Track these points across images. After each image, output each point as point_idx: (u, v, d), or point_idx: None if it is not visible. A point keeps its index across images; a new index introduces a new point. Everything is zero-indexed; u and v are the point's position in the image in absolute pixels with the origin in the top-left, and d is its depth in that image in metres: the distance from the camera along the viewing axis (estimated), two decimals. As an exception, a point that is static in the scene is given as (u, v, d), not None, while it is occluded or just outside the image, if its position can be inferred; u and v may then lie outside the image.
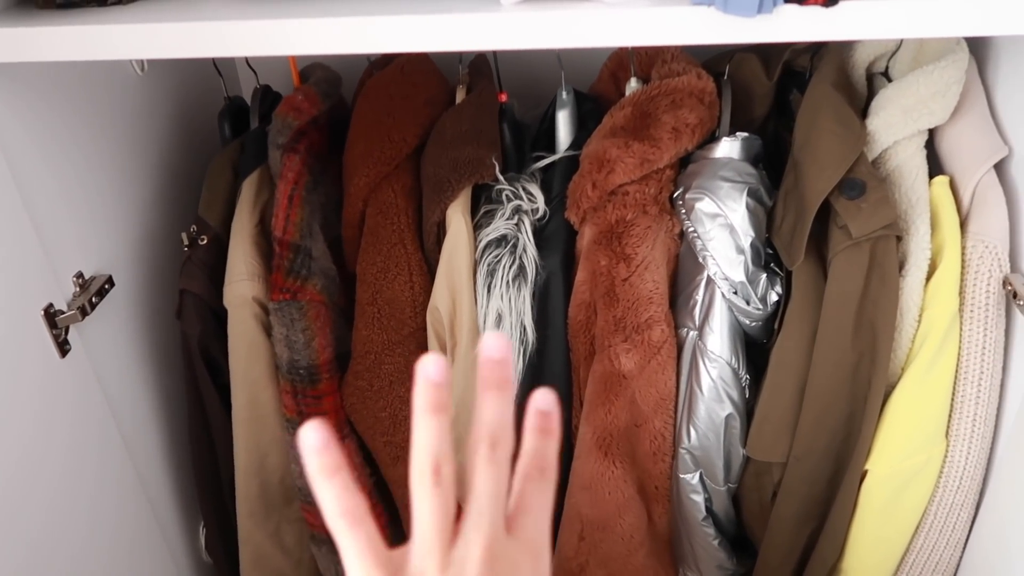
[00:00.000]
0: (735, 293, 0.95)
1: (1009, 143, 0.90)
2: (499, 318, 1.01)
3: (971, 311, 0.90)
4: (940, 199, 0.91)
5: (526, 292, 1.01)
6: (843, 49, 1.00)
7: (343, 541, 0.36)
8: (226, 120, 1.17)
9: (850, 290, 0.90)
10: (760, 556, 1.10)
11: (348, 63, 1.08)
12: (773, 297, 0.96)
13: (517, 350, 1.03)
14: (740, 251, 0.95)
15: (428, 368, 0.36)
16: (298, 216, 1.00)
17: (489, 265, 1.01)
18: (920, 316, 0.92)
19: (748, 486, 1.07)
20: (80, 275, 0.99)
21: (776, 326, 0.97)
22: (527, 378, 1.04)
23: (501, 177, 1.02)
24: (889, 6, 0.67)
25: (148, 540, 1.16)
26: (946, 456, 0.96)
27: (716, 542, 1.09)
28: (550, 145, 1.10)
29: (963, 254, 0.90)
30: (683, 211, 0.98)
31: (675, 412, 1.02)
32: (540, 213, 1.03)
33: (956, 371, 0.93)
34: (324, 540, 1.17)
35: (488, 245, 1.01)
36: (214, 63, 1.17)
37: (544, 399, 0.39)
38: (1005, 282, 0.88)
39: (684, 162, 1.03)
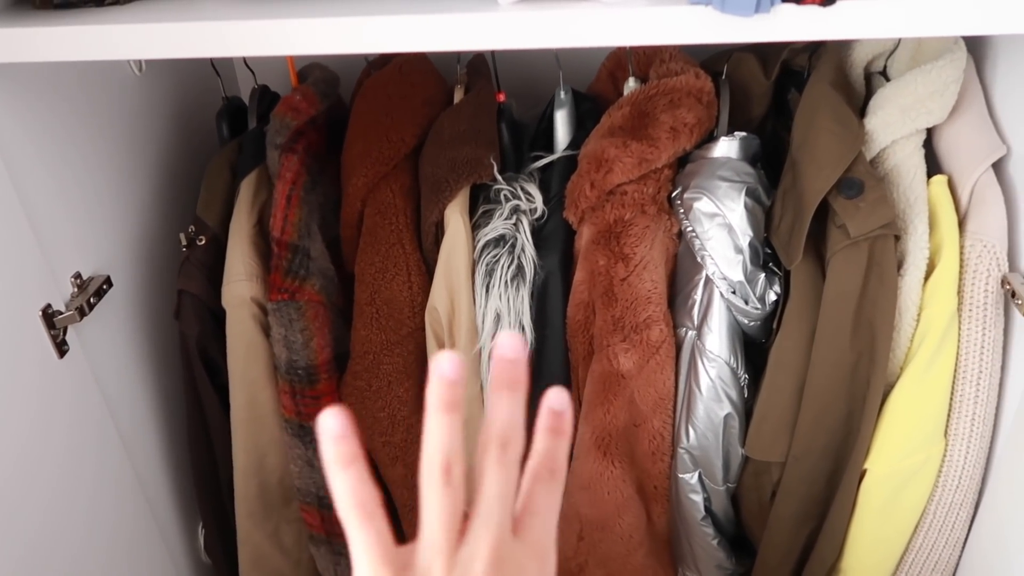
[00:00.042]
0: (733, 293, 0.95)
1: (1007, 142, 0.90)
2: (497, 318, 1.01)
3: (969, 310, 0.90)
4: (938, 198, 0.91)
5: (524, 292, 1.01)
6: (841, 48, 1.00)
7: (353, 534, 0.36)
8: (224, 120, 1.17)
9: (848, 289, 0.90)
10: (759, 556, 1.10)
11: (346, 63, 1.08)
12: (771, 296, 0.96)
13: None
14: (738, 251, 0.94)
15: (443, 365, 0.36)
16: (296, 216, 1.00)
17: (487, 265, 1.01)
18: (919, 315, 0.92)
19: (747, 486, 1.07)
20: (78, 275, 0.99)
21: (775, 325, 0.97)
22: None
23: (499, 177, 1.02)
24: (886, 5, 0.67)
25: (147, 541, 1.16)
26: (945, 455, 0.96)
27: (715, 542, 1.09)
28: (548, 145, 1.10)
29: (961, 253, 0.90)
30: (681, 211, 0.98)
31: (674, 412, 1.02)
32: (538, 213, 1.03)
33: (955, 370, 0.93)
34: (323, 540, 1.17)
35: (486, 245, 1.01)
36: (212, 63, 1.17)
37: (557, 398, 0.39)
38: (1003, 281, 0.88)
39: (682, 162, 1.03)
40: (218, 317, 1.07)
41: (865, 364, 0.93)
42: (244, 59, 1.22)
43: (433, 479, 0.36)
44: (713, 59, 1.07)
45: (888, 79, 0.99)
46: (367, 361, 1.06)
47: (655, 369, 0.99)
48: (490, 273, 1.01)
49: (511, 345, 0.37)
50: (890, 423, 0.95)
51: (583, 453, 1.04)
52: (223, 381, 1.10)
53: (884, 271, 0.89)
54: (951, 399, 0.94)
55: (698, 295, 0.98)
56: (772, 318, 0.98)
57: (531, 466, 0.38)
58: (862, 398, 0.94)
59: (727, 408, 0.99)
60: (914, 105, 0.90)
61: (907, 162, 0.93)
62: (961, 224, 0.91)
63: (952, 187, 0.92)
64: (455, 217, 1.00)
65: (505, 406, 0.37)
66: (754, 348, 1.01)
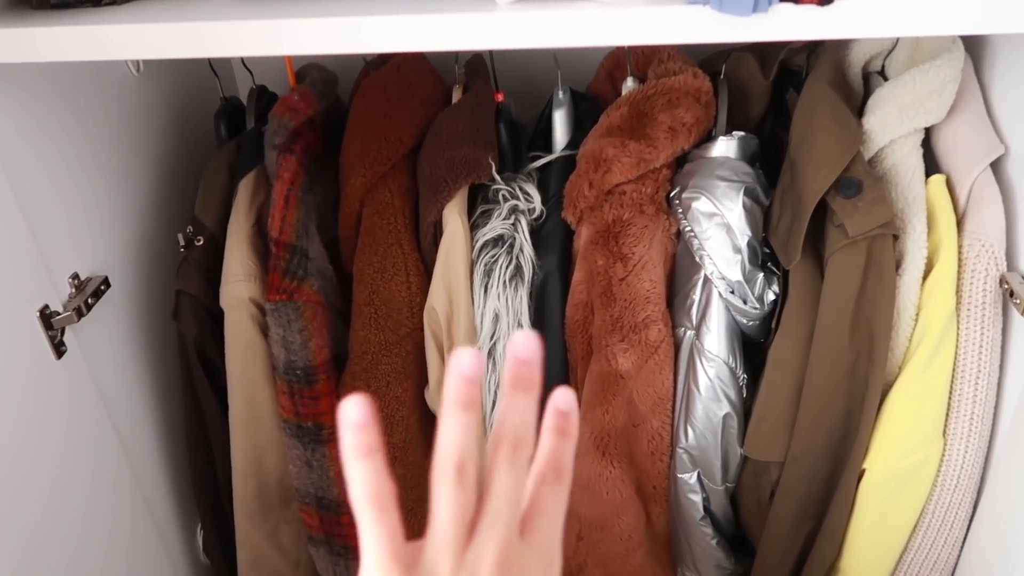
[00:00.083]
0: (732, 292, 0.95)
1: (1005, 141, 0.90)
2: (496, 318, 1.01)
3: (968, 310, 0.90)
4: (936, 198, 0.91)
5: (523, 292, 1.01)
6: (839, 48, 1.00)
7: (365, 527, 0.35)
8: (222, 120, 1.17)
9: (847, 289, 0.90)
10: (758, 555, 1.10)
11: (344, 63, 1.08)
12: (770, 296, 0.96)
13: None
14: (737, 250, 0.94)
15: (463, 362, 0.35)
16: (294, 217, 1.00)
17: (486, 265, 1.01)
18: (917, 315, 0.92)
19: (746, 485, 1.06)
20: (76, 276, 0.98)
21: (773, 325, 0.97)
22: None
23: (498, 177, 1.02)
24: (884, 5, 0.67)
25: (145, 542, 1.15)
26: (943, 455, 0.96)
27: (714, 542, 1.09)
28: (547, 145, 1.10)
29: (960, 253, 0.90)
30: (680, 210, 0.98)
31: (672, 412, 1.02)
32: (537, 213, 1.03)
33: (953, 370, 0.93)
34: (321, 541, 1.17)
35: (485, 245, 1.01)
36: (210, 63, 1.17)
37: (564, 398, 0.38)
38: (1002, 280, 0.88)
39: (681, 161, 1.03)
40: (216, 318, 1.07)
41: (864, 364, 0.93)
42: (242, 59, 1.22)
43: (446, 477, 0.35)
44: (711, 59, 1.07)
45: (886, 79, 0.99)
46: (365, 361, 1.06)
47: (654, 369, 0.99)
48: (488, 273, 1.01)
49: (526, 345, 0.36)
50: (889, 423, 0.95)
51: (582, 453, 1.04)
52: (221, 382, 1.10)
53: (882, 270, 0.89)
54: (950, 399, 0.94)
55: (697, 295, 0.98)
56: (771, 318, 0.98)
57: (536, 467, 0.38)
58: (861, 398, 0.94)
59: (726, 408, 0.99)
60: (912, 104, 0.90)
61: (905, 161, 0.93)
62: (959, 223, 0.91)
63: (950, 186, 0.92)
64: (453, 217, 1.00)
65: (519, 406, 0.36)
66: (753, 348, 1.01)
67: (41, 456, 0.93)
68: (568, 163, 1.04)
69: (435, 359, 1.06)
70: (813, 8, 0.67)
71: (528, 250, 1.01)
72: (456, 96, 1.11)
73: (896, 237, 0.91)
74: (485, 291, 1.01)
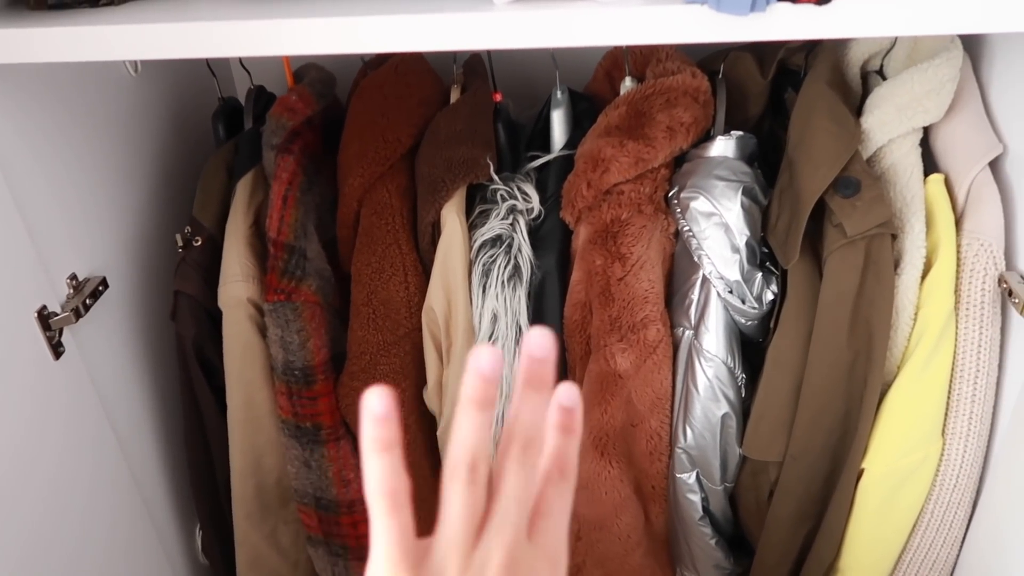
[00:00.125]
0: (730, 292, 0.95)
1: (1004, 141, 0.90)
2: (494, 318, 1.01)
3: (966, 309, 0.90)
4: (935, 197, 0.91)
5: (521, 292, 1.01)
6: (837, 47, 1.00)
7: (378, 522, 0.35)
8: (220, 121, 1.17)
9: (845, 289, 0.90)
10: (757, 555, 1.10)
11: (342, 63, 1.08)
12: (768, 296, 0.96)
13: (512, 350, 1.02)
14: (735, 250, 0.94)
15: (481, 361, 0.35)
16: (292, 217, 1.00)
17: (484, 265, 1.01)
18: (916, 314, 0.92)
19: (745, 485, 1.06)
20: (74, 277, 0.98)
21: (772, 325, 0.97)
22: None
23: (496, 177, 1.02)
24: (882, 4, 0.66)
25: (144, 542, 1.15)
26: (942, 454, 0.96)
27: (713, 541, 1.08)
28: (545, 145, 1.10)
29: (958, 252, 0.90)
30: (678, 210, 0.98)
31: (671, 412, 1.02)
32: (535, 213, 1.03)
33: (952, 369, 0.93)
34: (320, 541, 1.16)
35: (483, 245, 1.01)
36: (208, 64, 1.17)
37: (568, 394, 0.37)
38: (1000, 280, 0.88)
39: (679, 161, 1.03)
40: (214, 318, 1.07)
41: (862, 363, 0.93)
42: (240, 59, 1.22)
43: (458, 476, 0.35)
44: (710, 58, 1.07)
45: (884, 78, 0.99)
46: (364, 362, 1.06)
47: (652, 369, 0.99)
48: (487, 273, 1.01)
49: (542, 343, 0.36)
50: (887, 422, 0.95)
51: (580, 453, 1.03)
52: (220, 382, 1.10)
53: (881, 270, 0.89)
54: (948, 398, 0.94)
55: (695, 294, 0.98)
56: (769, 317, 0.98)
57: (542, 467, 0.37)
58: (859, 397, 0.94)
59: (724, 408, 0.99)
60: (910, 104, 0.90)
61: (904, 161, 0.93)
62: (958, 223, 0.91)
63: (949, 186, 0.92)
64: (452, 217, 1.00)
65: (532, 406, 0.36)
66: (751, 347, 1.01)
67: (39, 457, 0.93)
68: (566, 163, 1.04)
69: (433, 359, 1.06)
70: (810, 7, 0.67)
71: (526, 250, 1.01)
72: (454, 96, 1.11)
73: (894, 236, 0.91)
74: (483, 291, 1.01)
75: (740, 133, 0.99)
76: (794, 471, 1.01)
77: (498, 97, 1.08)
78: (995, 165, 0.91)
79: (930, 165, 0.94)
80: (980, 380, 0.92)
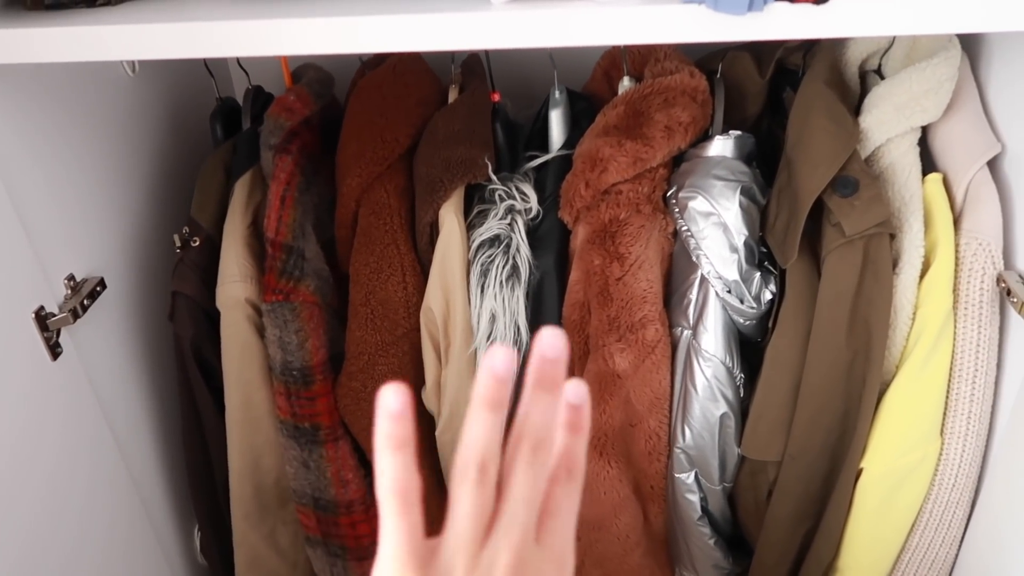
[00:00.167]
0: (729, 292, 0.95)
1: (1002, 140, 0.90)
2: (493, 318, 1.01)
3: (965, 308, 0.90)
4: (933, 196, 0.91)
5: (520, 292, 1.01)
6: (836, 47, 1.00)
7: (388, 520, 0.35)
8: (218, 121, 1.16)
9: (844, 288, 0.90)
10: (756, 555, 1.10)
11: (340, 63, 1.08)
12: (767, 295, 0.96)
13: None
14: (734, 250, 0.94)
15: (496, 361, 0.35)
16: (290, 217, 1.00)
17: (482, 265, 1.01)
18: (914, 314, 0.92)
19: (743, 485, 1.06)
20: (71, 277, 0.98)
21: (770, 324, 0.97)
22: (522, 379, 1.03)
23: (494, 177, 1.02)
24: (880, 3, 0.66)
25: (142, 543, 1.15)
26: (941, 454, 0.96)
27: (712, 541, 1.08)
28: (543, 144, 1.10)
29: (957, 251, 0.90)
30: (676, 210, 0.98)
31: (670, 411, 1.02)
32: (533, 213, 1.03)
33: (950, 369, 0.93)
34: (319, 542, 1.16)
35: (481, 245, 1.01)
36: (205, 64, 1.17)
37: (576, 391, 0.37)
38: (999, 279, 0.88)
39: (677, 161, 1.03)
40: (213, 318, 1.07)
41: (861, 363, 0.93)
42: (238, 60, 1.22)
43: (468, 476, 0.34)
44: (708, 58, 1.07)
45: (883, 77, 0.99)
46: (362, 362, 1.06)
47: (651, 369, 0.99)
48: (485, 273, 1.00)
49: (553, 344, 0.35)
50: (886, 422, 0.95)
51: (579, 453, 1.04)
52: (218, 382, 1.09)
53: (879, 269, 0.89)
54: (947, 397, 0.94)
55: (693, 294, 0.98)
56: (768, 317, 0.98)
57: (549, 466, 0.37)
58: (858, 397, 0.94)
59: (723, 407, 0.99)
60: (909, 103, 0.90)
61: (902, 160, 0.93)
62: (956, 222, 0.91)
63: (947, 185, 0.92)
64: (450, 217, 1.00)
65: (542, 407, 0.36)
66: (750, 347, 1.01)
67: (37, 458, 0.93)
68: (564, 163, 1.03)
69: (432, 359, 1.06)
70: (808, 7, 0.67)
71: (524, 250, 1.01)
72: (452, 96, 1.10)
73: (893, 236, 0.91)
74: (481, 291, 1.01)
75: (738, 133, 0.99)
76: (793, 471, 1.00)
77: (496, 97, 1.08)
78: (993, 164, 0.91)
79: (928, 164, 0.94)
80: (979, 379, 0.92)
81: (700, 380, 0.98)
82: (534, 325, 1.03)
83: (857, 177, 0.89)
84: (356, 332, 1.06)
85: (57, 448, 0.96)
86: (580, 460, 0.38)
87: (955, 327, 0.91)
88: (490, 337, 1.02)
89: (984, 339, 0.91)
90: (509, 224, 1.01)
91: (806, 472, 1.00)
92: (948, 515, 0.99)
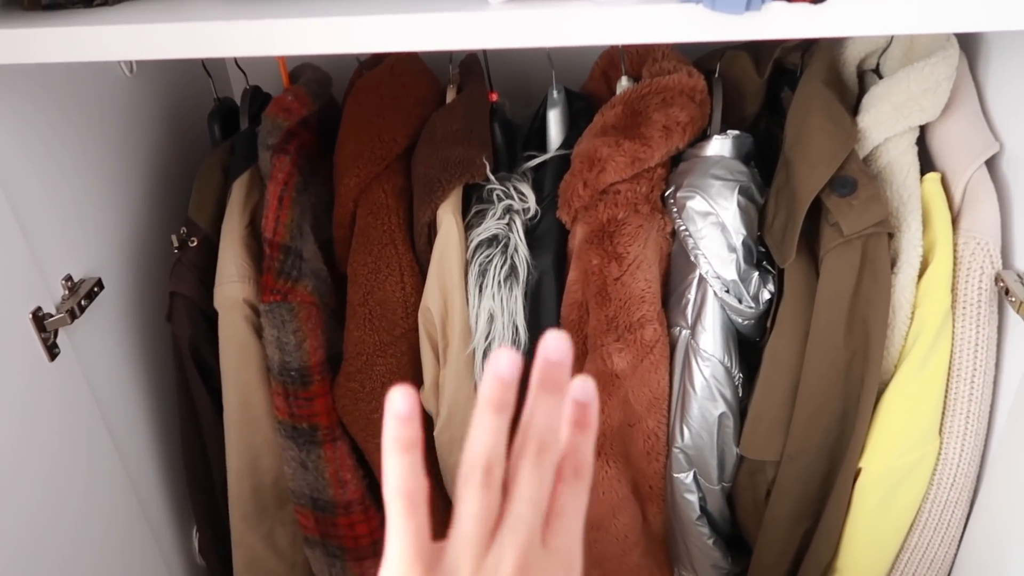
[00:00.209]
0: (727, 291, 0.95)
1: (1000, 139, 0.90)
2: (491, 318, 1.01)
3: (963, 308, 0.90)
4: (931, 196, 0.91)
5: (518, 292, 1.01)
6: (834, 46, 1.00)
7: (394, 522, 0.35)
8: (216, 121, 1.16)
9: (842, 288, 0.90)
10: (755, 555, 1.10)
11: (338, 63, 1.08)
12: (765, 295, 0.96)
13: (509, 350, 1.02)
14: (732, 249, 0.94)
15: (500, 364, 0.35)
16: (288, 217, 1.00)
17: (480, 265, 1.01)
18: (912, 313, 0.92)
19: (742, 485, 1.06)
20: (69, 278, 0.98)
21: (769, 324, 0.97)
22: (524, 381, 1.03)
23: (492, 177, 1.02)
24: (878, 3, 0.66)
25: (140, 544, 1.15)
26: (940, 454, 0.96)
27: (711, 541, 1.08)
28: (541, 144, 1.10)
29: (955, 251, 0.90)
30: (675, 209, 0.98)
31: (668, 411, 1.02)
32: (531, 212, 1.03)
33: (949, 368, 0.93)
34: (317, 542, 1.16)
35: (479, 245, 1.01)
36: (203, 64, 1.17)
37: (583, 388, 0.37)
38: (997, 279, 0.88)
39: (676, 160, 1.03)
40: (210, 319, 1.07)
41: (859, 362, 0.93)
42: (235, 60, 1.22)
43: (473, 479, 0.34)
44: (706, 57, 1.07)
45: (881, 77, 0.99)
46: (360, 362, 1.06)
47: (649, 369, 0.99)
48: (483, 273, 1.00)
49: (558, 346, 0.36)
50: (885, 421, 0.95)
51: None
52: (216, 383, 1.09)
53: (878, 269, 0.89)
54: (945, 397, 0.94)
55: (692, 294, 0.98)
56: (766, 317, 0.98)
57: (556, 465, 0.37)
58: (857, 397, 0.94)
59: (721, 407, 0.99)
60: (907, 102, 0.90)
61: (900, 160, 0.93)
62: (954, 221, 0.91)
63: (945, 184, 0.92)
64: (448, 217, 1.00)
65: (546, 409, 0.36)
66: (748, 347, 1.01)
67: (34, 459, 0.93)
68: (563, 163, 1.03)
69: (430, 360, 1.06)
70: (806, 6, 0.67)
71: (523, 250, 1.01)
72: (450, 96, 1.10)
73: (891, 236, 0.91)
74: (480, 291, 1.01)
75: (736, 132, 0.99)
76: (791, 471, 1.00)
77: (494, 97, 1.08)
78: (991, 163, 0.91)
79: (926, 164, 0.94)
80: (977, 379, 0.92)
81: (699, 380, 0.98)
82: (532, 325, 1.03)
83: (855, 177, 0.89)
84: (354, 332, 1.06)
85: (55, 449, 0.96)
86: (588, 459, 0.37)
87: (953, 326, 0.91)
88: (488, 337, 1.02)
89: (982, 338, 0.91)
90: (507, 224, 1.01)
91: (805, 472, 1.00)
92: (947, 515, 0.99)
